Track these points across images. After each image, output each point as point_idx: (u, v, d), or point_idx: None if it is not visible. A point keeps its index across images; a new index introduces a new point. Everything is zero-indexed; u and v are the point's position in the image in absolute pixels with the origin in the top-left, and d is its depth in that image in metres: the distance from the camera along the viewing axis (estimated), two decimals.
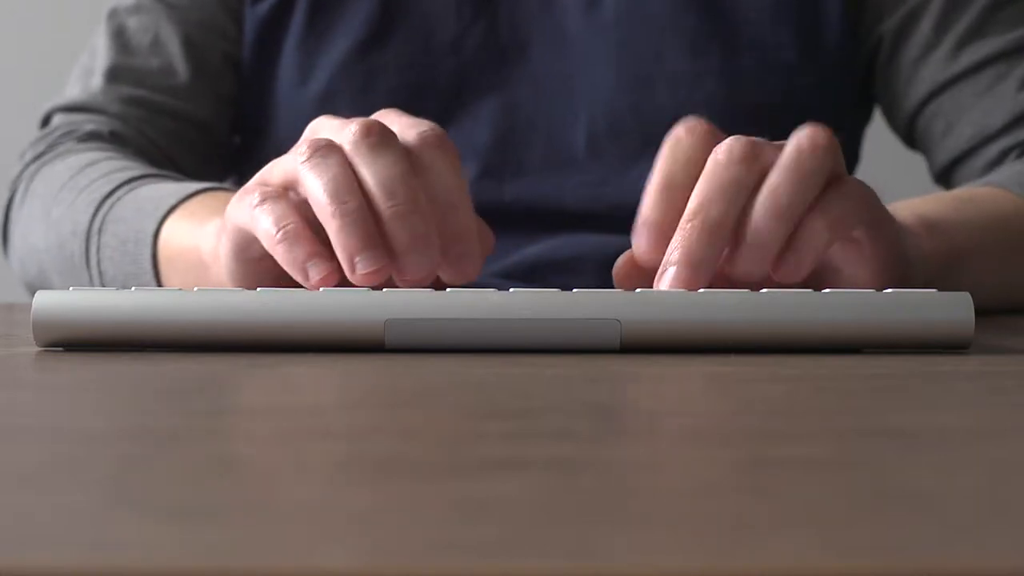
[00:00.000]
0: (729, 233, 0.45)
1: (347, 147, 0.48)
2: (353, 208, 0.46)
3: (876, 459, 0.22)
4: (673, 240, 0.45)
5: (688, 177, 0.47)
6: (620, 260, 0.49)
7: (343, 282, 0.46)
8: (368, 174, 0.47)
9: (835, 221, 0.46)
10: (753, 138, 0.47)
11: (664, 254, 0.45)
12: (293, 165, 0.49)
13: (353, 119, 0.49)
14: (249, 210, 0.49)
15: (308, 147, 0.48)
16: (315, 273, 0.46)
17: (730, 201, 0.45)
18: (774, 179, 0.46)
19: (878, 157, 0.97)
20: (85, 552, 0.15)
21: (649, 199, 0.47)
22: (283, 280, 0.51)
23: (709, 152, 0.47)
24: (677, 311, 0.41)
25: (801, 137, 0.47)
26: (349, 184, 0.47)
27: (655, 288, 0.45)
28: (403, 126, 0.50)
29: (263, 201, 0.48)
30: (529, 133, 0.81)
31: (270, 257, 0.49)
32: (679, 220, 0.46)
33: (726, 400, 0.30)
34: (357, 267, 0.45)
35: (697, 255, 0.45)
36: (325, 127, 0.51)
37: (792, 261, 0.46)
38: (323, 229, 0.47)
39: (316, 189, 0.47)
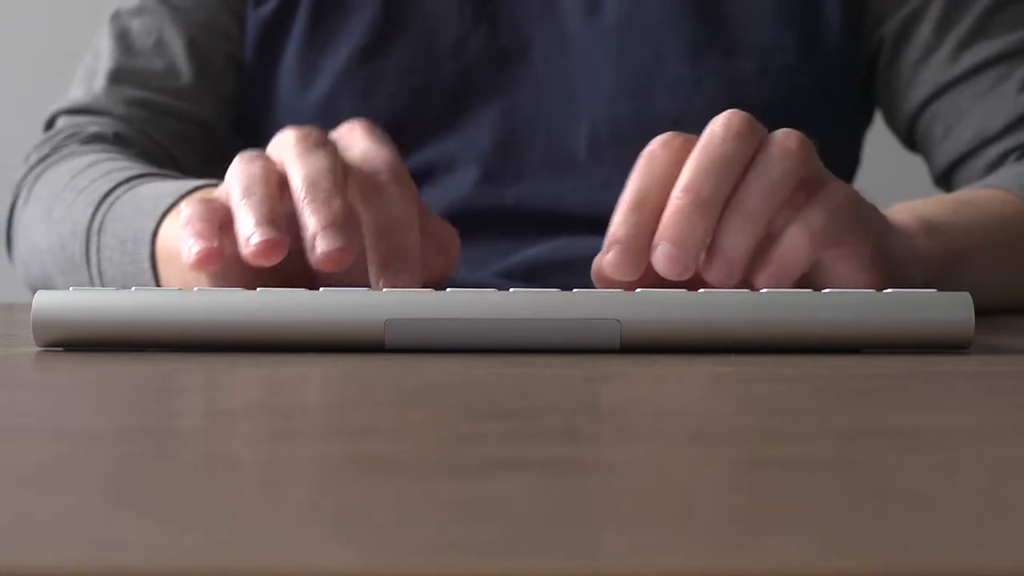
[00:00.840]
0: (719, 210, 0.45)
1: (284, 153, 0.49)
2: (257, 194, 0.47)
3: (876, 459, 0.22)
4: (664, 215, 0.45)
5: (662, 192, 0.46)
6: (599, 258, 0.49)
7: (233, 265, 0.47)
8: (294, 172, 0.48)
9: (817, 235, 0.46)
10: (750, 115, 0.47)
11: (635, 273, 0.45)
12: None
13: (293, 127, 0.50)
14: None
15: (237, 158, 0.49)
16: (194, 248, 0.46)
17: (722, 178, 0.45)
18: (742, 190, 0.46)
19: (878, 160, 0.97)
20: (85, 552, 0.15)
21: (620, 216, 0.46)
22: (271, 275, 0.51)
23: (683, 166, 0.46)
24: (677, 311, 0.41)
25: (772, 142, 0.47)
26: (262, 178, 0.48)
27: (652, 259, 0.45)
28: (365, 151, 0.51)
29: (188, 204, 0.49)
30: (530, 136, 0.81)
31: (233, 266, 0.49)
32: (650, 240, 0.45)
33: (726, 400, 0.30)
34: (250, 241, 0.45)
35: (685, 234, 0.44)
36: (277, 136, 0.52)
37: (773, 275, 0.46)
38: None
39: (234, 190, 0.48)
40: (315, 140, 0.49)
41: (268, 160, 0.50)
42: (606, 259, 0.45)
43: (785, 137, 0.47)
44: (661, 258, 0.44)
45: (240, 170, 0.49)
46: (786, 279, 0.46)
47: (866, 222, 0.49)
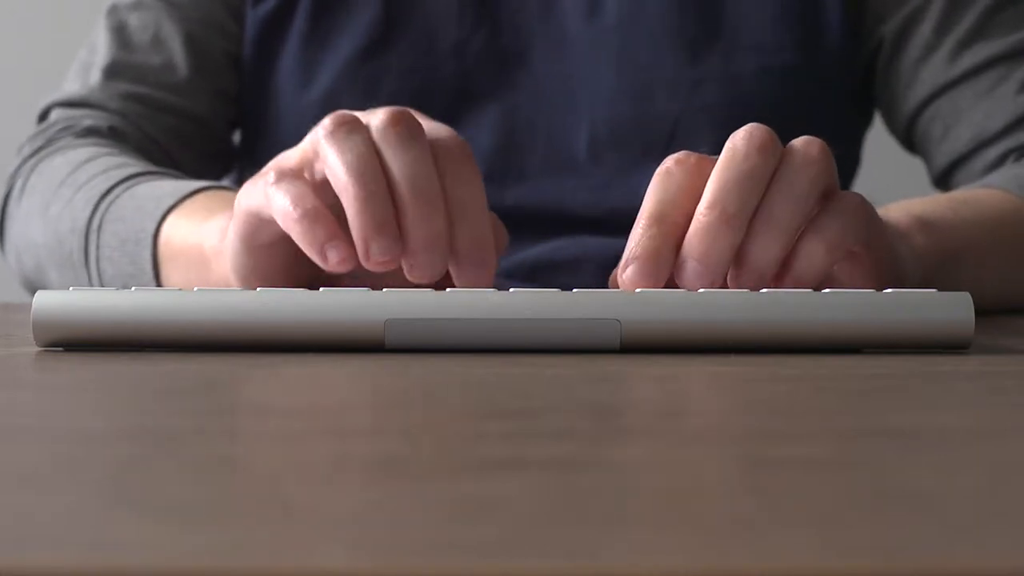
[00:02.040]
0: (745, 225, 0.45)
1: (374, 132, 0.48)
2: (375, 191, 0.46)
3: (876, 459, 0.22)
4: (690, 233, 0.45)
5: (679, 208, 0.45)
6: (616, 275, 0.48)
7: (359, 267, 0.47)
8: (395, 164, 0.47)
9: (833, 242, 0.45)
10: (769, 128, 0.46)
11: (656, 286, 0.45)
12: (314, 139, 0.49)
13: (377, 110, 0.49)
14: (264, 188, 0.48)
15: (332, 120, 0.48)
16: (334, 256, 0.46)
17: (747, 193, 0.44)
18: (769, 200, 0.45)
19: (878, 160, 0.97)
20: (85, 552, 0.15)
21: (638, 232, 0.45)
22: (289, 270, 0.51)
23: (701, 181, 0.46)
24: (677, 311, 0.41)
25: (794, 151, 0.46)
26: (374, 166, 0.47)
27: (676, 276, 0.44)
28: (429, 128, 0.50)
29: (280, 180, 0.48)
30: (530, 137, 0.81)
31: (279, 244, 0.49)
32: (670, 255, 0.45)
33: (726, 400, 0.30)
34: (372, 252, 0.46)
35: (712, 251, 0.44)
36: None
37: (792, 286, 0.45)
38: (338, 208, 0.47)
39: (337, 166, 0.47)
40: (408, 126, 0.48)
41: (368, 134, 0.48)
42: (626, 274, 0.45)
43: (807, 145, 0.46)
44: (687, 275, 0.44)
45: (341, 142, 0.47)
46: (805, 287, 0.45)
47: (876, 231, 0.49)
